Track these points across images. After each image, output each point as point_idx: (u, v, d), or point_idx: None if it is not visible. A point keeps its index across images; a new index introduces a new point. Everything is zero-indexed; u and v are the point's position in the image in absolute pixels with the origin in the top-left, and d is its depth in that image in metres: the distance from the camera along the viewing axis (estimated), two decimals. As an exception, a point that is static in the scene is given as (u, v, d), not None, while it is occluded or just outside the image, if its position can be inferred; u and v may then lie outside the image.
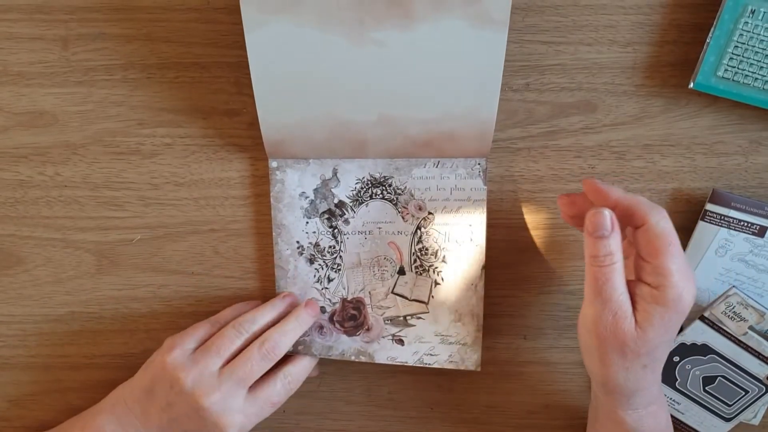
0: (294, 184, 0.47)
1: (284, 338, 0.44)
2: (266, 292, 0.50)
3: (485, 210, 0.46)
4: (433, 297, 0.48)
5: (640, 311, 0.37)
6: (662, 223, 0.37)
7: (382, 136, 0.44)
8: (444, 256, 0.47)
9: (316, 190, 0.47)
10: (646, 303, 0.37)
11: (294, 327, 0.45)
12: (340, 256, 0.48)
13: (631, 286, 0.38)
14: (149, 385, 0.44)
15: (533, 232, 0.49)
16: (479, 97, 0.42)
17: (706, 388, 0.49)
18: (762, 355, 0.46)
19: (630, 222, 0.38)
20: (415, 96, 0.43)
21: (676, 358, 0.49)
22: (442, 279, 0.47)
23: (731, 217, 0.46)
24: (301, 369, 0.47)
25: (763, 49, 0.42)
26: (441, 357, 0.48)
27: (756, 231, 0.45)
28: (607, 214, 0.37)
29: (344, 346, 0.49)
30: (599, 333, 0.37)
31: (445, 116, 0.43)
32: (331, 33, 0.40)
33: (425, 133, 0.44)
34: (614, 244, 0.37)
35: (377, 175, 0.47)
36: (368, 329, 0.48)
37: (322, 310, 0.48)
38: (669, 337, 0.38)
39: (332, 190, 0.47)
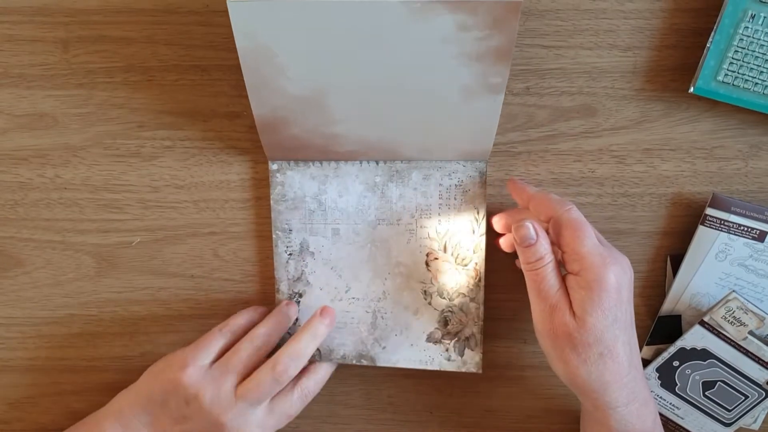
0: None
1: (296, 363, 0.44)
2: (266, 296, 0.50)
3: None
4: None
5: (573, 301, 0.39)
6: (567, 213, 0.39)
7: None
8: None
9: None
10: (575, 292, 0.39)
11: (307, 343, 0.45)
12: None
13: (565, 280, 0.40)
14: (161, 397, 0.44)
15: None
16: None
17: (706, 393, 0.49)
18: (762, 360, 0.46)
19: (544, 216, 0.41)
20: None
21: (676, 363, 0.49)
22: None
23: (731, 222, 0.45)
24: (316, 382, 0.47)
25: (763, 53, 0.42)
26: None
27: (756, 235, 0.45)
28: (529, 225, 0.40)
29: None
30: (548, 332, 0.40)
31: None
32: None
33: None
34: (542, 248, 0.39)
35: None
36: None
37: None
38: (612, 321, 0.38)
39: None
